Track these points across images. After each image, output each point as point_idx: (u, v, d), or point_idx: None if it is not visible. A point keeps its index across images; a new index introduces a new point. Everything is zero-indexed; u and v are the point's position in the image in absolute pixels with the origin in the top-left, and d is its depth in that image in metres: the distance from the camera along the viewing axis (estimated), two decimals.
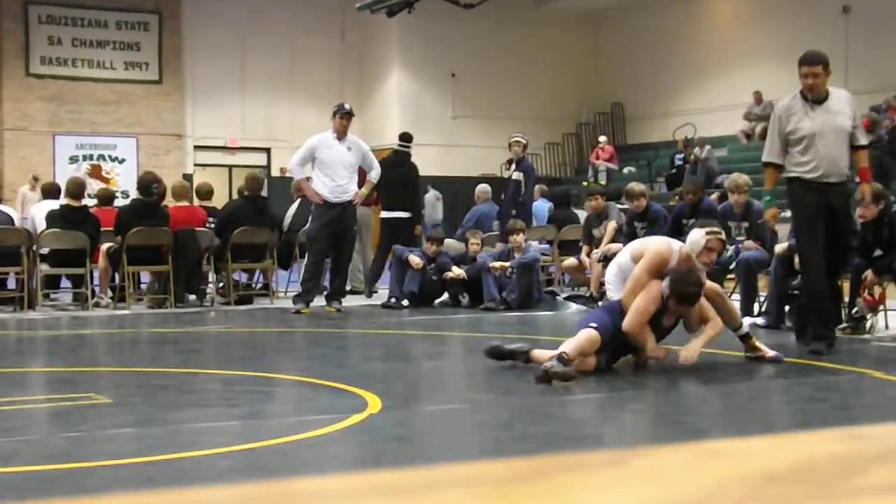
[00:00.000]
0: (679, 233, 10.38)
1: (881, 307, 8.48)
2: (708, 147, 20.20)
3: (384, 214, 12.65)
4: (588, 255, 11.40)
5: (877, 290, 8.28)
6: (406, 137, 13.31)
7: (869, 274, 8.16)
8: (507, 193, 12.31)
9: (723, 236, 6.87)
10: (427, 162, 23.78)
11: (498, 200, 13.21)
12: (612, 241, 11.11)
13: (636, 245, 7.03)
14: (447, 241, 12.08)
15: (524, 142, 12.42)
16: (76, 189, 11.38)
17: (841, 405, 5.68)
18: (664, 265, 6.51)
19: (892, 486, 0.34)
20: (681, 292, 6.29)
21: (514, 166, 12.35)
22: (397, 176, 12.69)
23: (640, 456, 0.39)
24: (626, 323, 6.31)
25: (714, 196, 11.69)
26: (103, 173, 22.76)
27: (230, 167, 23.35)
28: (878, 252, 8.43)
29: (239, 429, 4.89)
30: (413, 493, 0.40)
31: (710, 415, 5.58)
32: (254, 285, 12.85)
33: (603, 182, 21.06)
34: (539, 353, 6.41)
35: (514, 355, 6.55)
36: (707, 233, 6.70)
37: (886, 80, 19.22)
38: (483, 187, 13.83)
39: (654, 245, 6.77)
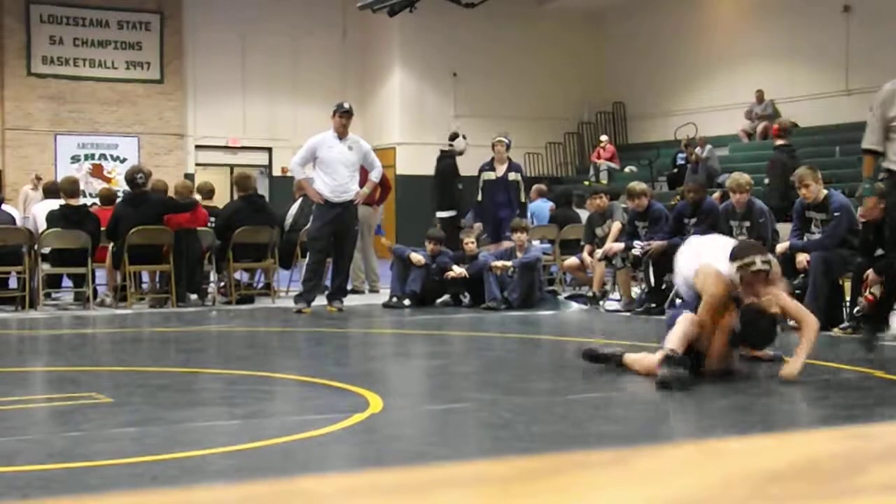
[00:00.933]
0: (681, 232, 10.39)
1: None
2: (709, 146, 20.19)
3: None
4: (590, 254, 11.39)
5: (878, 290, 8.27)
6: (451, 136, 13.67)
7: (870, 273, 8.15)
8: (503, 195, 12.20)
9: (757, 266, 6.02)
10: (428, 161, 23.79)
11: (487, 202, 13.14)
12: (615, 240, 11.10)
13: (697, 268, 6.40)
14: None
15: (507, 141, 12.45)
16: (72, 188, 11.39)
17: (843, 404, 5.68)
18: (722, 301, 6.20)
19: (894, 485, 0.34)
20: (747, 339, 6.24)
21: (504, 167, 12.30)
22: (435, 175, 13.13)
23: (643, 455, 0.39)
24: (708, 366, 6.29)
25: (715, 195, 11.68)
26: (105, 173, 22.76)
27: (231, 166, 23.35)
28: (879, 251, 8.42)
29: (240, 428, 4.89)
30: (416, 492, 0.40)
31: (712, 414, 5.58)
32: (255, 285, 12.85)
33: (604, 181, 21.05)
34: (630, 357, 6.40)
35: (607, 359, 6.52)
36: (738, 268, 6.05)
37: (887, 78, 19.16)
38: None
39: (710, 286, 6.20)
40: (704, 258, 6.48)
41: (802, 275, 8.87)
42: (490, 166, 12.39)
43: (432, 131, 24.02)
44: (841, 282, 8.83)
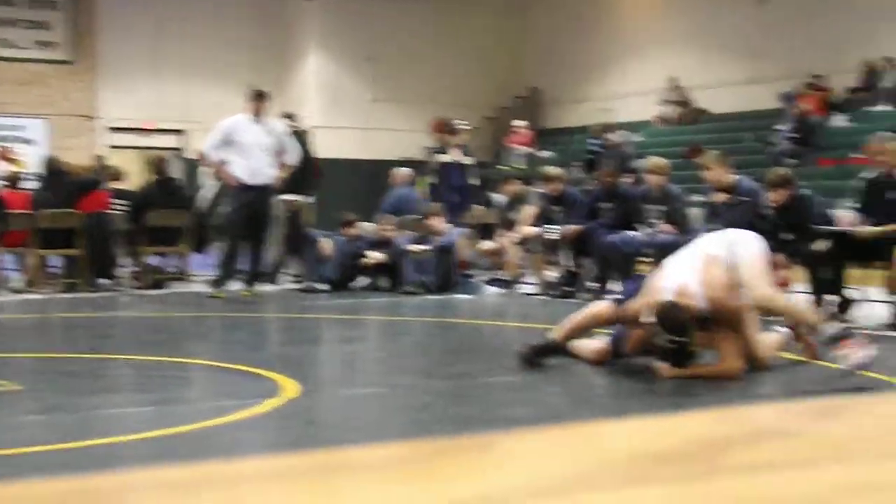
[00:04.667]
0: (595, 217, 10.52)
1: (787, 290, 8.68)
2: (623, 132, 20.44)
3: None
4: (506, 238, 11.48)
5: (783, 274, 8.48)
6: (288, 115, 13.50)
7: (778, 257, 8.35)
8: (455, 179, 12.27)
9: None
10: (346, 145, 23.71)
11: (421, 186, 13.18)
12: (530, 225, 11.20)
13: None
14: (365, 224, 12.07)
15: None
16: None
17: (735, 387, 5.80)
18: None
19: (750, 465, 0.36)
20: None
21: (460, 151, 12.39)
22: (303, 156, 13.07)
23: (517, 439, 0.41)
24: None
25: (629, 180, 11.84)
26: (11, 155, 22.21)
27: (145, 149, 22.97)
28: (787, 236, 8.62)
29: (153, 415, 4.84)
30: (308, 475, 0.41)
31: (628, 395, 5.66)
32: (168, 269, 12.70)
33: (521, 166, 21.17)
34: (576, 345, 6.24)
35: (549, 350, 6.23)
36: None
37: (796, 66, 19.65)
38: (401, 170, 13.83)
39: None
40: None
41: None
42: (442, 150, 12.44)
43: (349, 115, 23.92)
44: None
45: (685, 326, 5.68)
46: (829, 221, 8.44)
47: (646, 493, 0.35)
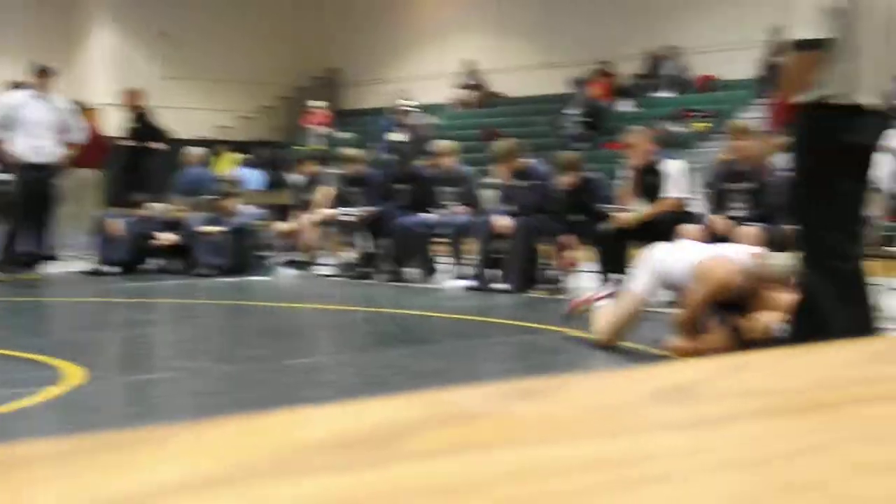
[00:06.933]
0: (391, 197, 10.58)
1: (574, 268, 8.99)
2: (421, 114, 20.62)
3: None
4: (303, 219, 11.40)
5: (570, 254, 8.78)
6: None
7: (565, 238, 8.62)
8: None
9: None
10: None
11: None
12: (328, 206, 11.16)
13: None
14: (156, 204, 11.75)
15: None
16: None
17: (536, 362, 5.96)
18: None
19: (427, 451, 0.36)
20: None
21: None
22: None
23: (189, 431, 0.39)
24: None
25: (424, 162, 11.94)
26: None
27: None
28: (576, 217, 8.91)
29: None
30: None
31: (424, 374, 5.72)
32: None
33: (319, 147, 21.06)
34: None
35: None
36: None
37: (586, 53, 20.29)
38: (194, 150, 13.53)
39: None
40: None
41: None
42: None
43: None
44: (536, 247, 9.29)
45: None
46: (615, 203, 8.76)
47: (310, 482, 0.35)
